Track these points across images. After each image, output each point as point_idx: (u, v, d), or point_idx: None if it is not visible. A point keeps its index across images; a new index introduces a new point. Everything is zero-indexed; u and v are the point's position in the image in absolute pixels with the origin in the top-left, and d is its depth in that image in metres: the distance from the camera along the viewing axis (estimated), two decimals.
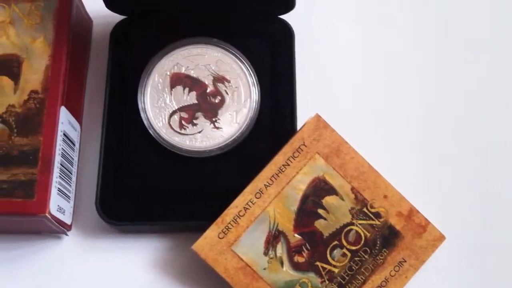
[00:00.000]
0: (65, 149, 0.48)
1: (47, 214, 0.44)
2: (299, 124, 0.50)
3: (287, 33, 0.53)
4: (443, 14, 0.56)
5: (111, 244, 0.49)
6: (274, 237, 0.46)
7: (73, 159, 0.50)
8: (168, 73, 0.50)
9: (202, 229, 0.47)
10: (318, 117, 0.48)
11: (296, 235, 0.46)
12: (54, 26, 0.49)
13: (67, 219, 0.48)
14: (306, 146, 0.47)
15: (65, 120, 0.48)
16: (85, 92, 0.54)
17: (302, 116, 0.50)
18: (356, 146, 0.48)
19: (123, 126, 0.50)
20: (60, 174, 0.47)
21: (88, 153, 0.52)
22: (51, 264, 0.49)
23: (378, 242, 0.47)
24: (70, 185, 0.49)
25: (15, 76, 0.48)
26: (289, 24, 0.53)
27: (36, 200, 0.45)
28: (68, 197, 0.48)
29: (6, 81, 0.48)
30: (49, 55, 0.48)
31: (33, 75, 0.48)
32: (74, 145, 0.50)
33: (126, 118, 0.50)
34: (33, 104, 0.47)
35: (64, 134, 0.48)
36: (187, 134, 0.49)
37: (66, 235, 0.49)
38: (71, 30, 0.50)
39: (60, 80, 0.48)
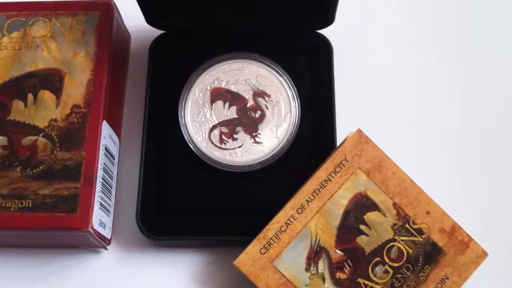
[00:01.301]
0: (106, 163, 0.48)
1: (90, 229, 0.44)
2: (339, 139, 0.50)
3: (325, 48, 0.53)
4: (481, 31, 0.56)
5: (151, 258, 0.49)
6: (315, 253, 0.46)
7: (113, 173, 0.50)
8: (209, 88, 0.50)
9: (242, 244, 0.47)
10: (360, 132, 0.47)
11: (337, 251, 0.46)
12: (96, 41, 0.50)
13: (107, 233, 0.48)
14: (347, 161, 0.47)
15: (106, 134, 0.48)
16: (123, 106, 0.54)
17: (341, 131, 0.50)
18: (397, 161, 0.48)
19: (163, 141, 0.50)
20: (102, 188, 0.47)
21: (126, 166, 0.52)
22: (91, 279, 0.49)
23: (421, 259, 0.47)
24: (110, 199, 0.49)
25: (57, 91, 0.48)
26: (327, 39, 0.53)
27: (79, 215, 0.45)
28: (109, 211, 0.49)
29: (48, 95, 0.48)
30: (91, 69, 0.49)
31: (75, 89, 0.48)
32: (114, 159, 0.50)
33: (166, 133, 0.50)
34: (76, 118, 0.47)
35: (106, 149, 0.48)
36: (227, 149, 0.49)
37: (106, 249, 0.49)
38: (112, 44, 0.50)
39: (102, 95, 0.48)
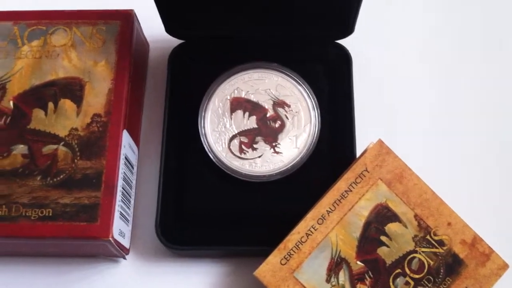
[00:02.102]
0: (126, 172, 0.48)
1: (110, 238, 0.44)
2: (358, 149, 0.50)
3: (344, 58, 0.53)
4: (501, 42, 0.56)
5: (170, 268, 0.49)
6: (336, 264, 0.46)
7: (132, 182, 0.50)
8: (229, 98, 0.50)
9: (261, 255, 0.47)
10: (381, 142, 0.47)
11: (358, 262, 0.46)
12: (116, 50, 0.50)
13: (126, 243, 0.48)
14: (368, 172, 0.47)
15: (126, 143, 0.48)
16: (142, 115, 0.54)
17: (360, 141, 0.50)
18: (417, 172, 0.47)
19: (182, 150, 0.50)
20: (121, 197, 0.47)
21: (144, 175, 0.52)
22: None
23: (442, 271, 0.46)
24: (129, 209, 0.49)
25: (77, 99, 0.48)
26: (346, 49, 0.53)
27: (100, 224, 0.45)
28: (128, 220, 0.48)
29: (69, 104, 0.48)
30: (112, 78, 0.49)
31: (96, 98, 0.48)
32: (133, 168, 0.50)
33: (185, 143, 0.50)
34: (96, 127, 0.47)
35: (126, 158, 0.48)
36: (247, 159, 0.49)
37: (124, 259, 0.49)
38: (132, 53, 0.50)
39: (122, 104, 0.48)
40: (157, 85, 0.55)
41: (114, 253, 0.47)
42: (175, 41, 0.53)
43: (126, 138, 0.48)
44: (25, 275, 0.49)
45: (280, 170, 0.48)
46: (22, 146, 0.47)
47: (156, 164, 0.51)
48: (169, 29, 0.51)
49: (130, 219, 0.49)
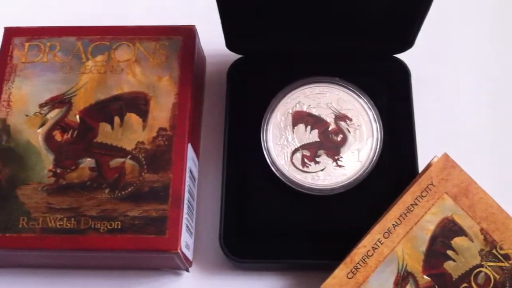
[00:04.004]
0: (190, 185, 0.48)
1: (179, 251, 0.45)
2: (419, 163, 0.50)
3: (403, 72, 0.53)
4: None
5: (233, 281, 0.49)
6: (402, 278, 0.46)
7: (194, 194, 0.50)
8: (290, 111, 0.51)
9: (325, 268, 0.47)
10: (446, 156, 0.47)
11: (425, 276, 0.46)
12: (179, 65, 0.50)
13: (190, 255, 0.48)
14: (434, 186, 0.47)
15: (190, 157, 0.49)
16: (201, 129, 0.55)
17: (421, 155, 0.50)
18: (481, 185, 0.47)
19: (243, 164, 0.51)
20: (187, 210, 0.47)
21: (204, 187, 0.52)
22: None
23: (508, 285, 0.46)
24: (193, 221, 0.49)
25: (143, 114, 0.49)
26: (404, 63, 0.53)
27: (168, 237, 0.45)
28: (191, 233, 0.49)
29: (135, 118, 0.49)
30: (176, 93, 0.49)
31: (161, 112, 0.49)
32: (195, 180, 0.51)
33: (246, 156, 0.51)
34: (162, 141, 0.48)
35: (190, 171, 0.48)
36: (309, 172, 0.49)
37: (187, 271, 0.49)
38: (194, 68, 0.51)
39: (186, 118, 0.49)
40: (213, 99, 0.56)
41: (179, 265, 0.48)
42: (231, 56, 0.54)
43: (190, 151, 0.49)
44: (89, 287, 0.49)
45: (343, 183, 0.49)
46: (89, 159, 0.48)
47: (215, 177, 0.52)
48: (229, 43, 0.52)
49: (193, 231, 0.50)
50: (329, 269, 0.46)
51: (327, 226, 0.49)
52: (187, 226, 0.47)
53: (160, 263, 0.48)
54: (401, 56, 0.53)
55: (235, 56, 0.54)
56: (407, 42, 0.51)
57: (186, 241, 0.46)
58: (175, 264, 0.47)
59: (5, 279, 0.49)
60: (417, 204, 0.46)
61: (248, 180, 0.50)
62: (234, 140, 0.51)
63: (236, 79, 0.53)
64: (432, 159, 0.48)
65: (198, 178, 0.52)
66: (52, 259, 0.48)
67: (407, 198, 0.47)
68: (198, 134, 0.53)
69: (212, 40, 0.54)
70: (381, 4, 0.48)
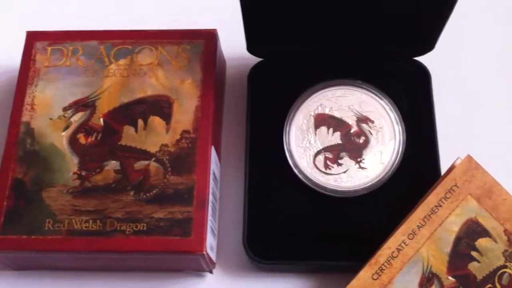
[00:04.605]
0: (213, 187, 0.49)
1: (204, 252, 0.45)
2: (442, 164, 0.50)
3: (423, 75, 0.53)
4: None
5: (256, 283, 0.49)
6: (427, 280, 0.46)
7: (217, 196, 0.50)
8: (312, 114, 0.51)
9: (348, 270, 0.47)
10: (469, 158, 0.47)
11: (449, 277, 0.46)
12: (202, 68, 0.51)
13: (214, 256, 0.49)
14: (458, 187, 0.47)
15: (213, 159, 0.49)
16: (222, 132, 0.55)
17: (443, 157, 0.50)
18: (505, 186, 0.48)
19: (265, 166, 0.51)
20: (211, 212, 0.47)
21: (225, 189, 0.52)
22: None
23: None
24: (216, 222, 0.50)
25: (166, 117, 0.49)
26: (424, 66, 0.53)
27: (193, 238, 0.45)
28: (215, 234, 0.49)
29: (158, 121, 0.49)
30: (198, 96, 0.50)
31: (184, 115, 0.49)
32: (218, 182, 0.51)
33: (267, 158, 0.51)
34: (185, 143, 0.48)
35: (213, 173, 0.49)
36: (332, 174, 0.49)
37: (211, 273, 0.49)
38: (216, 71, 0.51)
39: (209, 121, 0.49)
40: (233, 101, 0.56)
41: (203, 267, 0.48)
42: (250, 59, 0.54)
43: (213, 154, 0.49)
44: None
45: (366, 185, 0.49)
46: (114, 162, 0.48)
47: (236, 179, 0.52)
48: (250, 47, 0.52)
49: (216, 233, 0.50)
50: (352, 270, 0.46)
51: (350, 227, 0.49)
52: (211, 228, 0.47)
53: (184, 265, 0.48)
54: (419, 58, 0.53)
55: (254, 60, 0.54)
56: (428, 45, 0.51)
57: (210, 243, 0.47)
58: (199, 266, 0.48)
59: (31, 281, 0.50)
60: (441, 206, 0.47)
61: (271, 182, 0.50)
62: (256, 142, 0.51)
63: (256, 82, 0.53)
64: (455, 160, 0.48)
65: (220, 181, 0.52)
66: (77, 261, 0.48)
67: (431, 199, 0.47)
68: (219, 136, 0.54)
69: (231, 44, 0.55)
70: (404, 8, 0.48)
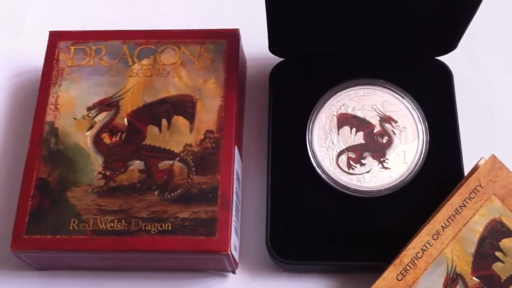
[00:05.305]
0: (236, 187, 0.49)
1: (229, 252, 0.45)
2: (465, 164, 0.50)
3: (445, 75, 0.53)
4: None
5: (279, 282, 0.49)
6: (452, 280, 0.46)
7: (239, 196, 0.50)
8: (335, 114, 0.51)
9: (372, 270, 0.47)
10: (494, 158, 0.47)
11: (474, 278, 0.46)
12: (224, 68, 0.51)
13: (237, 256, 0.49)
14: (482, 187, 0.47)
15: (237, 159, 0.49)
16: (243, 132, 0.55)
17: (466, 156, 0.50)
18: None
19: (288, 166, 0.51)
20: (235, 212, 0.47)
21: (247, 189, 0.53)
22: None
23: None
24: (239, 222, 0.50)
25: (190, 116, 0.49)
26: (447, 66, 0.53)
27: (218, 238, 0.45)
28: (238, 234, 0.49)
29: (182, 121, 0.49)
30: (221, 96, 0.50)
31: (207, 115, 0.49)
32: (240, 182, 0.51)
33: (290, 158, 0.51)
34: (209, 143, 0.48)
35: (237, 173, 0.49)
36: (355, 174, 0.49)
37: (234, 273, 0.50)
38: (238, 71, 0.51)
39: (233, 121, 0.49)
40: (254, 101, 0.56)
41: (227, 267, 0.48)
42: (271, 59, 0.54)
43: (236, 154, 0.49)
44: None
45: (389, 185, 0.49)
46: (138, 161, 0.48)
47: (257, 179, 0.52)
48: (272, 47, 0.52)
49: (239, 233, 0.50)
50: (376, 271, 0.46)
51: (373, 227, 0.49)
52: (234, 228, 0.47)
53: (207, 265, 0.48)
54: (441, 57, 0.53)
55: (275, 60, 0.54)
56: (451, 45, 0.51)
57: (234, 243, 0.47)
58: (223, 266, 0.48)
59: (56, 281, 0.50)
60: (465, 206, 0.47)
61: (293, 182, 0.51)
62: (279, 142, 0.51)
63: (278, 82, 0.54)
64: (479, 160, 0.48)
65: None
66: (102, 261, 0.48)
67: (455, 199, 0.47)
68: (241, 136, 0.54)
69: (252, 43, 0.55)
70: (428, 8, 0.48)
